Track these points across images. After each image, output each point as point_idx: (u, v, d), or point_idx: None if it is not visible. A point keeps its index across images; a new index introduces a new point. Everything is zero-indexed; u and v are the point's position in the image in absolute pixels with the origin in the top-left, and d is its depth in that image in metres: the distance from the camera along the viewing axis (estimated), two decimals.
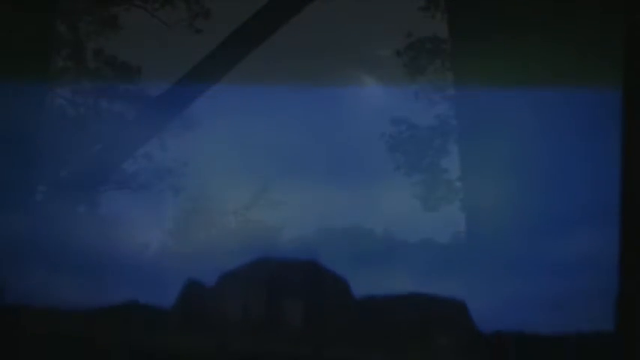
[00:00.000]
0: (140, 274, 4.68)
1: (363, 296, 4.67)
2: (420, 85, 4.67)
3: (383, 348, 4.49)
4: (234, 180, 4.53)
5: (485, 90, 4.37)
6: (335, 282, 4.68)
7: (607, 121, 3.79)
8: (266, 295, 4.59)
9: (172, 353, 4.43)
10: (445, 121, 4.72)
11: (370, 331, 4.56)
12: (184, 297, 4.61)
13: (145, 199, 4.74)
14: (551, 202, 4.24)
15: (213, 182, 4.64)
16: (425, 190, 4.68)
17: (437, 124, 4.72)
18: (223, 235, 4.54)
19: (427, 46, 4.74)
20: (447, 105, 4.74)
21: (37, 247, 4.53)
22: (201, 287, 4.66)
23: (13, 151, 4.35)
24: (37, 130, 4.53)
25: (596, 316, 3.92)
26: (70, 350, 4.29)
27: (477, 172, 4.49)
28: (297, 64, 4.54)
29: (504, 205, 4.34)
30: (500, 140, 4.29)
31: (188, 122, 4.61)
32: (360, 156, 4.61)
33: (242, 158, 4.56)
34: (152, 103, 4.70)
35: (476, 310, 4.42)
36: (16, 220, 4.39)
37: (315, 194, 4.69)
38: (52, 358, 4.25)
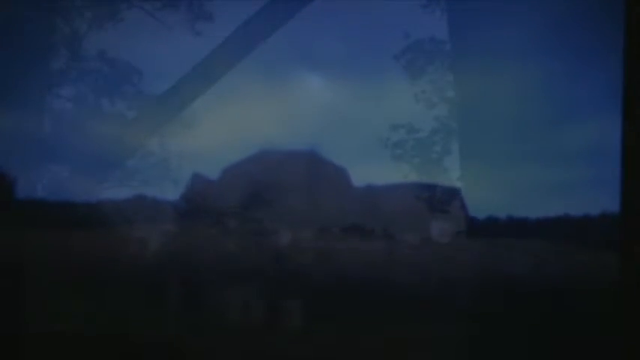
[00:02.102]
0: (146, 171, 4.74)
1: (361, 185, 4.78)
2: None
3: (380, 233, 4.63)
4: (235, 76, 4.56)
5: None
6: (335, 172, 4.78)
7: (610, 14, 3.83)
8: (267, 186, 4.69)
9: (179, 241, 4.55)
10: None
11: (368, 218, 4.69)
12: (189, 190, 4.69)
13: (150, 94, 4.76)
14: (552, 91, 4.31)
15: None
16: (427, 85, 4.71)
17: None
18: (225, 129, 4.59)
19: None
20: None
21: (45, 143, 4.56)
22: (205, 180, 4.73)
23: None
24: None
25: (597, 202, 4.05)
26: (79, 241, 4.38)
27: (476, 63, 4.53)
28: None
29: (505, 93, 4.40)
30: (504, 31, 4.33)
31: None
32: (363, 51, 4.64)
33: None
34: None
35: (472, 197, 4.54)
36: (24, 117, 4.41)
37: (316, 88, 4.76)
38: (61, 250, 4.34)
